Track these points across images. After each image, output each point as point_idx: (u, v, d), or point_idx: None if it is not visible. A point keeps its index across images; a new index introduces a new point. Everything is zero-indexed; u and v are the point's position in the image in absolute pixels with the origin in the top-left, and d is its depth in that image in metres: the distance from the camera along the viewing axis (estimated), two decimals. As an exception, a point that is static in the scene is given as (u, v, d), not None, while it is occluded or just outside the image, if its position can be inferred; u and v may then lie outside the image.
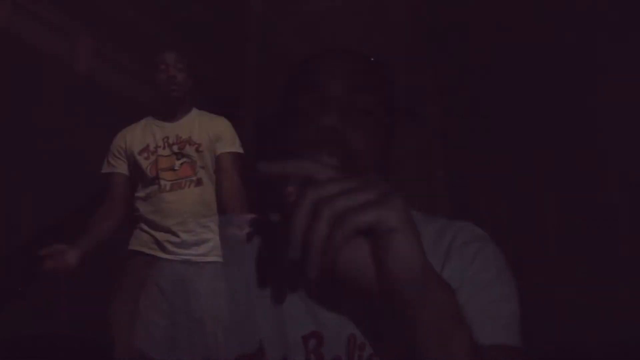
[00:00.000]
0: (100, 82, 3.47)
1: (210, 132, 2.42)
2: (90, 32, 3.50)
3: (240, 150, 2.43)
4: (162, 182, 2.31)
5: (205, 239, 2.24)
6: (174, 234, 2.25)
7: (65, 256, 2.07)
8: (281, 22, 4.26)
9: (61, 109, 3.46)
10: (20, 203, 3.65)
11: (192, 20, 3.75)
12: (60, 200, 3.43)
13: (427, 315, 0.52)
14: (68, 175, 3.40)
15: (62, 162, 3.58)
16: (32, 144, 3.61)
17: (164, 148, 2.39)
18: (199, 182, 2.36)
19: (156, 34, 3.72)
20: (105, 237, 2.31)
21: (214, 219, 2.34)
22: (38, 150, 3.63)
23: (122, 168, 2.41)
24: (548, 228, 4.40)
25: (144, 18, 3.55)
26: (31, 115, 3.50)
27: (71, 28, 3.46)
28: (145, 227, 2.29)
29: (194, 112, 2.51)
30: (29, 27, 3.25)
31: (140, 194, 2.36)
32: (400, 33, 4.40)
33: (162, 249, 2.24)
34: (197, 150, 2.38)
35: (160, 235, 2.26)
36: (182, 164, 2.36)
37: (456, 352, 0.53)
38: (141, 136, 2.43)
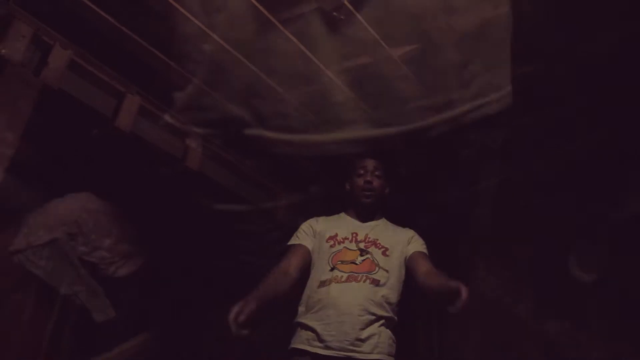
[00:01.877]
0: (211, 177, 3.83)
1: (402, 239, 2.53)
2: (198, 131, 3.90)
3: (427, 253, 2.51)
4: (339, 273, 2.35)
5: (370, 334, 2.27)
6: (338, 326, 2.23)
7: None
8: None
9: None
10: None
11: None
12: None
13: None
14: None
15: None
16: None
17: (351, 241, 2.48)
18: (375, 282, 2.35)
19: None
20: (279, 293, 2.28)
21: (383, 320, 2.32)
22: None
23: (308, 243, 2.52)
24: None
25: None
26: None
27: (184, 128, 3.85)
28: (308, 323, 2.30)
29: (384, 220, 2.65)
30: (150, 129, 3.68)
31: (314, 282, 2.39)
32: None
33: (325, 345, 2.23)
34: (383, 254, 2.45)
35: (322, 330, 2.24)
36: (364, 259, 2.41)
37: None
38: (332, 225, 2.57)
